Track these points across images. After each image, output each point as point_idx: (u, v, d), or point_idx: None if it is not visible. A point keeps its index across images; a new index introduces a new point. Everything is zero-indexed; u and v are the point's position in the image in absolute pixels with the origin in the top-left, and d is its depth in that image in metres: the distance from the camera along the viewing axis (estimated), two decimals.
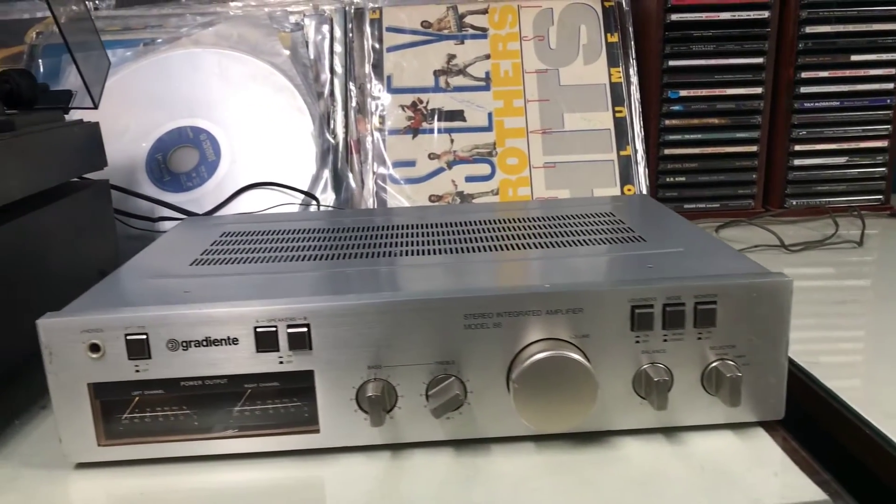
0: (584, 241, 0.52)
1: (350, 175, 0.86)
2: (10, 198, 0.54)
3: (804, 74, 0.90)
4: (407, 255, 0.51)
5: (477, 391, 0.42)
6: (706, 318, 0.41)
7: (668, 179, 0.93)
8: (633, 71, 0.90)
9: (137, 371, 0.41)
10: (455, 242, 0.54)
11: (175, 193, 0.82)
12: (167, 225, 0.79)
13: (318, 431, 0.42)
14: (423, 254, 0.51)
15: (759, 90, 0.90)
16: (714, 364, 0.42)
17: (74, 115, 0.71)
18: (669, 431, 0.44)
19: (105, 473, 0.42)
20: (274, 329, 0.41)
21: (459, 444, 0.43)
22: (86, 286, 0.64)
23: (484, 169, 0.87)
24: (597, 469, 0.41)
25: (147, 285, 0.47)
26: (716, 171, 0.92)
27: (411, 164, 0.87)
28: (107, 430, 0.42)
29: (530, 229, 0.56)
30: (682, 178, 0.93)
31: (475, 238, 0.55)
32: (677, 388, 0.42)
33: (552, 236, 0.54)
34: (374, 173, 0.86)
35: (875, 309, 0.62)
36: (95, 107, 0.70)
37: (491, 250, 0.51)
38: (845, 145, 0.92)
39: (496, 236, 0.55)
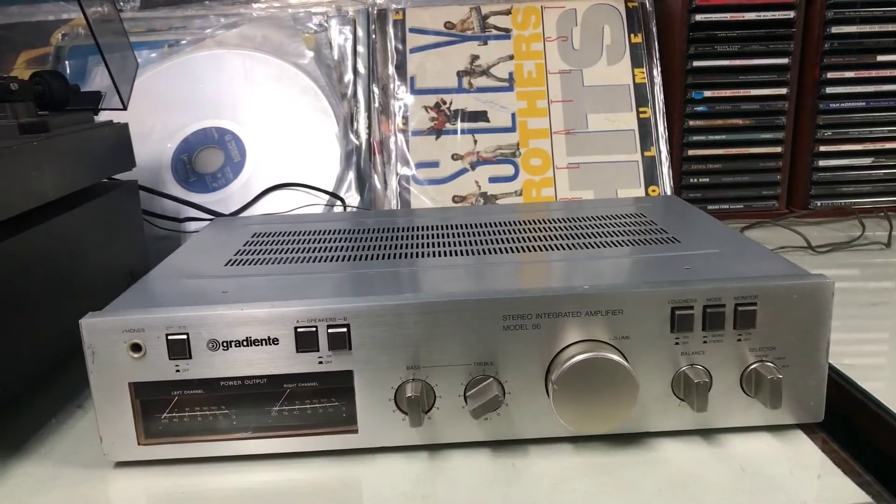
0: (617, 241, 0.52)
1: (374, 176, 0.86)
2: (45, 199, 0.54)
3: (830, 75, 0.89)
4: (440, 255, 0.51)
5: (515, 392, 0.42)
6: (746, 320, 0.41)
7: (691, 180, 0.92)
8: (656, 71, 0.90)
9: (178, 371, 0.41)
10: (486, 244, 0.54)
11: (200, 194, 0.82)
12: (193, 225, 0.80)
13: (356, 432, 0.43)
14: (457, 254, 0.51)
15: (783, 91, 0.90)
16: (754, 366, 0.42)
17: (103, 115, 0.72)
18: (708, 433, 0.43)
19: (145, 472, 0.42)
20: (314, 329, 0.41)
21: (497, 445, 0.43)
22: (116, 286, 0.65)
23: (507, 170, 0.87)
24: (636, 471, 0.40)
25: (184, 286, 0.47)
26: (740, 172, 0.92)
27: (435, 164, 0.87)
28: (147, 429, 0.42)
29: (560, 230, 0.56)
30: (706, 179, 0.92)
31: (506, 239, 0.55)
32: (716, 390, 0.42)
33: (584, 237, 0.54)
34: (397, 174, 0.86)
35: None
36: (124, 108, 0.71)
37: (524, 251, 0.51)
38: (871, 146, 0.92)
39: (527, 237, 0.55)
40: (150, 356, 0.41)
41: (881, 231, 0.85)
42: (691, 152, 0.91)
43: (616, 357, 0.40)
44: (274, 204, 0.81)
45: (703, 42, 0.88)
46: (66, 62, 0.90)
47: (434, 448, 0.43)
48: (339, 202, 0.81)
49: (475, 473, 0.41)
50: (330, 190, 0.82)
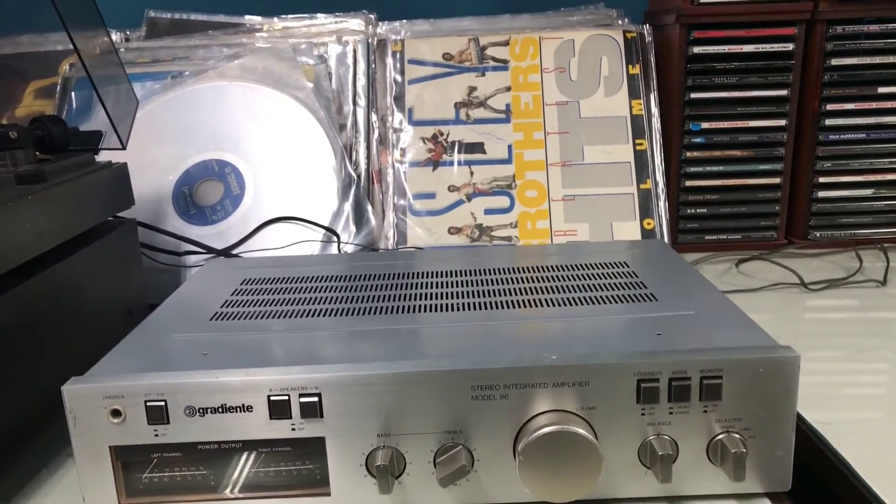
0: (596, 298, 0.53)
1: (370, 208, 0.87)
2: (41, 249, 0.56)
3: (829, 107, 0.89)
4: (421, 310, 0.52)
5: (484, 459, 0.43)
6: (712, 393, 0.42)
7: (689, 211, 0.92)
8: (654, 103, 0.90)
9: (157, 435, 0.43)
10: (468, 296, 0.54)
11: (201, 226, 0.84)
12: (192, 259, 0.81)
13: (329, 494, 0.44)
14: (437, 310, 0.52)
15: (782, 122, 0.89)
16: (720, 437, 0.42)
17: (103, 154, 0.73)
18: (675, 500, 0.44)
19: None
20: (287, 398, 0.42)
21: None
22: (114, 325, 0.67)
23: (503, 201, 0.88)
24: None
25: (169, 343, 0.48)
26: (738, 203, 0.92)
27: (431, 196, 0.88)
28: (128, 489, 0.44)
29: (544, 281, 0.57)
30: (704, 210, 0.92)
31: (489, 291, 0.55)
32: (683, 459, 0.43)
33: (564, 291, 0.54)
34: (394, 205, 0.87)
35: (892, 358, 0.61)
36: (123, 147, 0.72)
37: (504, 307, 0.52)
38: (871, 177, 0.91)
39: (510, 289, 0.56)
40: (130, 421, 0.42)
41: (880, 264, 0.85)
42: (689, 183, 0.92)
43: (581, 430, 0.41)
44: (272, 237, 0.83)
45: (702, 74, 0.88)
46: (73, 93, 0.92)
47: None
48: (335, 238, 0.82)
49: None
50: (326, 224, 0.83)
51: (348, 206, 0.85)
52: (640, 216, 0.87)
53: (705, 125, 0.90)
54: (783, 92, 0.88)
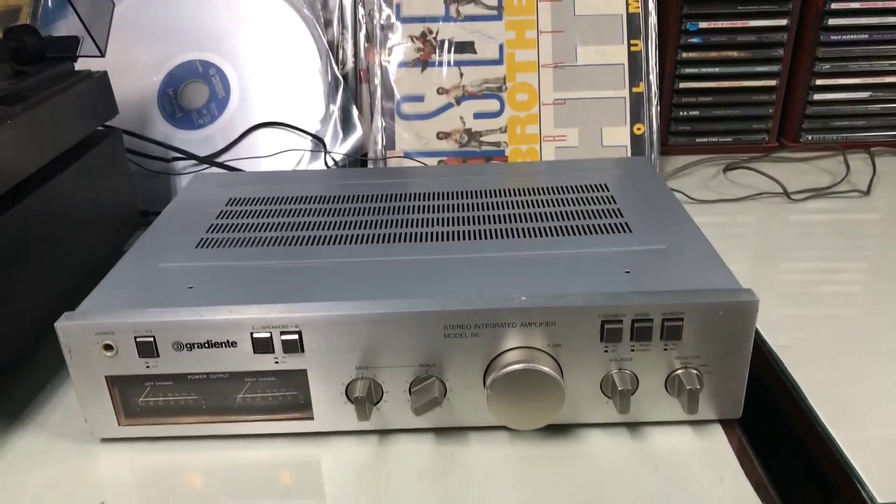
0: (574, 227, 0.54)
1: (356, 114, 0.86)
2: (26, 172, 0.57)
3: (834, 5, 0.85)
4: (402, 239, 0.53)
5: (456, 389, 0.46)
6: (673, 333, 0.44)
7: (681, 114, 0.91)
8: (651, 1, 0.87)
9: (148, 367, 0.45)
10: (449, 224, 0.55)
11: (187, 130, 0.83)
12: (181, 164, 0.82)
13: (312, 418, 0.47)
14: (417, 239, 0.53)
15: (784, 22, 0.86)
16: (678, 372, 0.45)
17: (81, 60, 0.72)
18: (634, 426, 0.47)
19: (128, 448, 0.48)
20: (269, 336, 0.44)
21: (441, 432, 0.48)
22: (108, 238, 0.68)
23: (493, 105, 0.87)
24: (560, 465, 0.45)
25: (156, 274, 0.50)
26: (732, 106, 0.91)
27: (420, 98, 0.87)
28: (125, 411, 0.47)
29: (526, 207, 0.58)
30: (696, 113, 0.91)
31: (470, 219, 0.56)
32: (642, 390, 0.46)
33: (545, 218, 0.55)
34: (381, 108, 0.86)
35: (859, 280, 0.63)
36: (102, 54, 0.71)
37: (485, 237, 0.53)
38: (870, 80, 0.89)
39: (492, 216, 0.57)
40: (122, 354, 0.45)
41: (866, 171, 0.85)
42: (682, 85, 0.90)
43: (546, 369, 0.43)
44: (258, 143, 0.82)
45: None
46: None
47: (383, 433, 0.48)
48: (320, 145, 0.82)
49: (418, 460, 0.46)
50: (313, 130, 0.82)
51: (335, 110, 0.84)
52: (631, 121, 0.86)
53: (703, 25, 0.87)
54: None
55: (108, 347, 0.45)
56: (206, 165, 0.81)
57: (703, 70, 0.89)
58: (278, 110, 0.83)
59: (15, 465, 0.47)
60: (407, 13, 0.87)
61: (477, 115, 0.87)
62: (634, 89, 0.86)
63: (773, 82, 0.89)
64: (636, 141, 0.86)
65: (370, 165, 0.86)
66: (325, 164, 0.81)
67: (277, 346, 0.45)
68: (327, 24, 0.88)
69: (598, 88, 0.86)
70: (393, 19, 0.87)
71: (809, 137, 0.92)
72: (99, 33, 0.71)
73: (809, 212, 0.77)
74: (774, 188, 0.81)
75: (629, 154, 0.86)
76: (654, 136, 0.86)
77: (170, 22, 0.84)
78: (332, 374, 0.46)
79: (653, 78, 0.87)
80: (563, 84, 0.86)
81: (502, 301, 0.44)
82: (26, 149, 0.57)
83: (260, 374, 0.46)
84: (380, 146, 0.86)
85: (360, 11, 0.89)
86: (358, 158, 0.85)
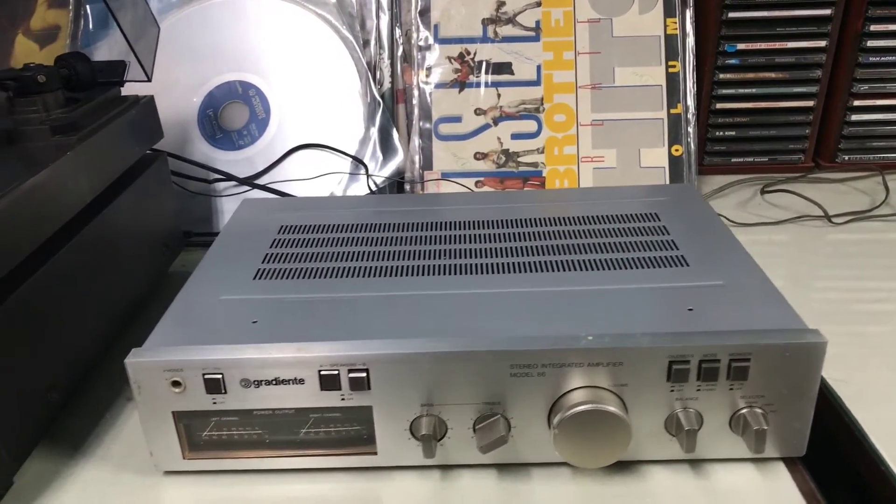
0: (627, 260, 0.54)
1: (396, 136, 0.86)
2: (84, 202, 0.57)
3: (872, 27, 0.85)
4: (454, 271, 0.54)
5: (520, 426, 0.46)
6: (740, 374, 0.44)
7: (717, 134, 0.91)
8: (689, 22, 0.87)
9: (214, 403, 0.46)
10: (498, 255, 0.56)
11: (227, 151, 0.84)
12: (222, 186, 0.82)
13: (375, 453, 0.47)
14: (468, 272, 0.53)
15: (822, 43, 0.86)
16: (742, 411, 0.45)
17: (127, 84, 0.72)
18: (695, 463, 0.47)
19: (191, 481, 0.48)
20: (336, 373, 0.45)
21: (503, 468, 0.48)
22: (155, 261, 0.69)
23: (530, 126, 0.87)
24: (624, 503, 0.45)
25: (218, 307, 0.50)
26: (767, 126, 0.91)
27: (457, 119, 0.87)
28: (190, 445, 0.48)
29: (575, 237, 0.58)
30: (732, 133, 0.91)
31: (519, 249, 0.57)
32: (706, 428, 0.46)
33: (596, 250, 0.56)
34: (419, 129, 0.87)
35: None
36: (149, 79, 0.71)
37: (535, 269, 0.53)
38: None
39: (539, 247, 0.57)
40: (189, 391, 0.45)
41: None
42: (719, 106, 0.90)
43: (614, 409, 0.43)
44: (298, 165, 0.83)
45: None
46: (87, 6, 0.89)
47: (445, 468, 0.48)
48: (362, 168, 0.82)
49: (482, 497, 0.46)
50: (353, 152, 0.83)
51: (374, 132, 0.85)
52: (669, 142, 0.86)
53: (741, 46, 0.87)
54: (827, 11, 0.85)
55: (176, 384, 0.45)
56: (247, 187, 0.81)
57: (740, 91, 0.89)
58: (318, 131, 0.83)
59: (85, 497, 0.47)
60: (445, 34, 0.88)
61: (514, 136, 0.87)
62: (672, 110, 0.86)
63: (810, 103, 0.89)
64: (674, 162, 0.86)
65: (406, 186, 0.86)
66: (369, 187, 0.82)
67: (344, 383, 0.45)
68: (364, 44, 0.88)
69: (636, 110, 0.86)
70: (431, 40, 0.88)
71: (846, 158, 0.92)
72: (146, 58, 0.71)
73: (851, 232, 0.77)
74: (813, 210, 0.81)
75: (667, 175, 0.86)
76: (692, 158, 0.86)
77: (209, 43, 0.85)
78: (397, 411, 0.46)
79: (690, 100, 0.87)
80: (600, 105, 0.87)
81: (569, 342, 0.44)
82: (85, 178, 0.57)
83: (325, 410, 0.46)
84: (417, 167, 0.87)
85: (397, 32, 0.89)
86: (397, 180, 0.85)
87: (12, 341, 0.46)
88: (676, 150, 0.86)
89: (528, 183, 0.86)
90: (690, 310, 0.47)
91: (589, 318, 0.47)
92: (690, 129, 0.86)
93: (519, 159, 0.87)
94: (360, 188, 0.83)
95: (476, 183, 0.87)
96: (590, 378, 0.44)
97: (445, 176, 0.87)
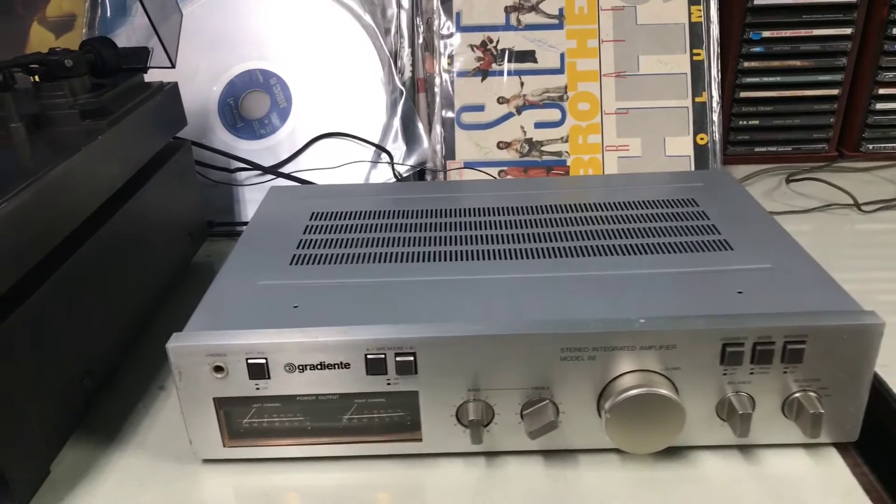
0: (669, 245, 0.53)
1: (421, 127, 0.85)
2: (114, 187, 0.56)
3: None
4: (493, 256, 0.53)
5: (568, 412, 0.45)
6: (795, 357, 0.43)
7: (741, 123, 0.91)
8: (714, 10, 0.86)
9: (257, 388, 0.45)
10: (538, 240, 0.55)
11: (249, 140, 0.83)
12: (244, 175, 0.81)
13: (420, 440, 0.46)
14: (507, 256, 0.53)
15: (848, 31, 0.86)
16: (796, 395, 0.44)
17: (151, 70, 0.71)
18: (745, 448, 0.47)
19: (230, 469, 0.47)
20: (383, 356, 0.44)
21: (550, 454, 0.47)
22: (180, 250, 0.68)
23: (554, 115, 0.86)
24: (677, 489, 0.44)
25: (256, 292, 0.49)
26: (791, 115, 0.90)
27: (480, 108, 0.86)
28: (230, 432, 0.47)
29: (613, 222, 0.57)
30: (756, 122, 0.91)
31: (557, 234, 0.56)
32: (758, 412, 0.45)
33: (635, 236, 0.55)
34: (441, 119, 0.86)
35: None
36: (172, 66, 0.70)
37: (577, 254, 0.52)
38: None
39: (579, 232, 0.56)
40: (232, 376, 0.44)
41: None
42: (743, 94, 0.89)
43: (668, 393, 0.42)
44: (321, 154, 0.82)
45: None
46: None
47: (490, 455, 0.47)
48: (385, 157, 0.81)
49: (529, 484, 0.45)
50: (376, 140, 0.82)
51: (397, 121, 0.84)
52: (694, 131, 0.85)
53: (766, 34, 0.86)
54: None
55: (218, 369, 0.44)
56: (271, 176, 0.80)
57: (765, 79, 0.88)
58: (340, 121, 0.82)
59: (124, 486, 0.46)
60: (467, 22, 0.87)
61: (538, 125, 0.86)
62: (697, 99, 0.85)
63: (835, 91, 0.89)
64: (699, 151, 0.85)
65: (428, 176, 0.85)
66: (395, 175, 0.81)
67: (391, 367, 0.44)
68: (385, 32, 0.87)
69: (661, 98, 0.86)
70: (452, 28, 0.87)
71: (870, 147, 0.91)
72: (170, 44, 0.70)
73: (881, 221, 0.77)
74: (840, 199, 0.80)
75: (692, 164, 0.85)
76: (718, 147, 0.85)
77: (229, 30, 0.84)
78: (443, 396, 0.45)
79: (714, 89, 0.86)
80: (625, 93, 0.86)
81: (621, 324, 0.43)
82: (115, 163, 0.56)
83: (370, 395, 0.45)
84: (440, 156, 0.86)
85: (418, 20, 0.88)
86: (420, 169, 0.84)
87: (49, 326, 0.45)
88: (702, 139, 0.85)
89: (551, 172, 0.86)
90: (740, 293, 0.47)
91: (636, 302, 0.46)
92: (715, 118, 0.85)
93: (543, 148, 0.86)
94: (381, 178, 0.82)
95: (499, 172, 0.86)
96: (640, 362, 0.44)
97: (468, 165, 0.86)
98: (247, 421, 0.46)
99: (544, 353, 0.43)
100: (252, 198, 0.81)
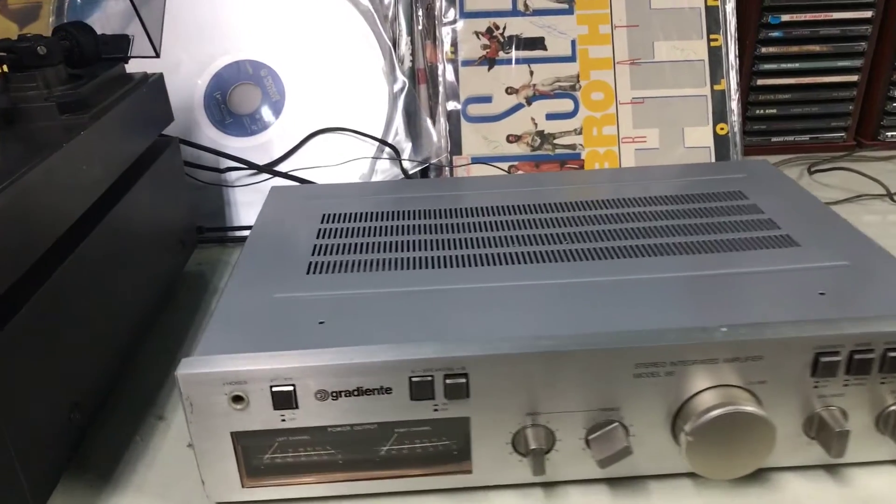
0: (731, 242, 0.48)
1: (428, 120, 0.79)
2: (100, 189, 0.49)
3: None
4: (534, 259, 0.47)
5: (639, 434, 0.40)
6: (894, 365, 0.38)
7: (757, 112, 0.86)
8: None
9: (283, 420, 0.39)
10: (580, 240, 0.49)
11: (239, 137, 0.76)
12: (234, 175, 0.74)
13: (470, 471, 0.41)
14: (550, 259, 0.47)
15: (869, 14, 0.82)
16: (892, 407, 0.39)
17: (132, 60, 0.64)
18: (832, 468, 0.42)
19: None
20: (430, 379, 0.38)
21: (615, 482, 0.41)
22: (171, 258, 0.61)
23: (566, 105, 0.81)
24: None
25: (273, 307, 0.43)
26: (810, 103, 0.86)
27: (487, 99, 0.80)
28: (249, 471, 0.40)
29: (659, 219, 0.52)
30: (774, 111, 0.86)
31: (606, 233, 0.50)
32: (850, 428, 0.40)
33: (687, 232, 0.50)
34: (445, 111, 0.80)
35: None
36: (157, 55, 0.63)
37: (629, 254, 0.47)
38: None
39: (630, 229, 0.51)
40: (254, 406, 0.38)
41: None
42: (760, 82, 0.85)
43: (758, 411, 0.37)
44: (319, 150, 0.75)
45: None
46: None
47: (548, 486, 0.41)
48: (388, 152, 0.75)
49: None
50: (378, 135, 0.75)
51: (399, 115, 0.77)
52: (714, 121, 0.81)
53: (785, 17, 0.82)
54: None
55: (237, 399, 0.38)
56: (264, 177, 0.74)
57: (783, 66, 0.84)
58: (338, 114, 0.76)
59: None
60: (471, 7, 0.81)
61: (550, 116, 0.81)
62: (716, 86, 0.81)
63: (854, 77, 0.85)
64: (720, 142, 0.80)
65: (432, 173, 0.80)
66: (403, 171, 0.75)
67: (439, 391, 0.38)
68: (384, 19, 0.81)
69: (678, 86, 0.81)
70: (455, 14, 0.81)
71: (888, 135, 0.88)
72: (153, 31, 0.63)
73: None
74: (869, 189, 0.77)
75: (713, 155, 0.80)
76: (738, 137, 0.81)
77: (214, 18, 0.77)
78: (498, 422, 0.39)
79: (733, 76, 0.81)
80: (640, 82, 0.81)
81: (701, 335, 0.38)
82: (99, 163, 0.49)
83: (414, 423, 0.39)
84: (445, 151, 0.80)
85: (417, 5, 0.82)
86: (427, 165, 0.78)
87: (29, 355, 0.38)
88: (722, 129, 0.81)
89: (565, 167, 0.80)
90: (822, 294, 0.42)
91: (707, 309, 0.41)
92: (734, 106, 0.81)
93: (555, 141, 0.80)
94: (384, 175, 0.76)
95: (510, 168, 0.80)
96: (719, 376, 0.38)
97: (476, 160, 0.80)
98: (268, 456, 0.40)
99: (616, 370, 0.38)
100: (244, 200, 0.75)
